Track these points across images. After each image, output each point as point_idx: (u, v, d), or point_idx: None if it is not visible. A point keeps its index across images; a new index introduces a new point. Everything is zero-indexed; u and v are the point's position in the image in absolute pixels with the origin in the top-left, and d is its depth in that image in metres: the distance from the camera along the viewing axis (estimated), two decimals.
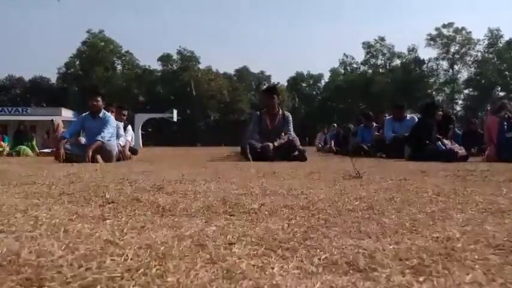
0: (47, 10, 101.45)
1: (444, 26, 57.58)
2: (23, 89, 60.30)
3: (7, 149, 8.60)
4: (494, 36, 56.95)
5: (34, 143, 9.12)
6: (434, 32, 58.02)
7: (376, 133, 8.28)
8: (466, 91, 60.44)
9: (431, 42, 58.16)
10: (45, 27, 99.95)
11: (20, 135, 8.97)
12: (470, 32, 57.20)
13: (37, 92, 59.44)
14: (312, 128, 55.87)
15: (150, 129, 47.60)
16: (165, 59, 57.89)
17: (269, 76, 67.74)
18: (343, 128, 12.15)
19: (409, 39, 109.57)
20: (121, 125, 6.61)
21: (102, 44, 53.88)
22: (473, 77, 58.01)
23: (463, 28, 57.18)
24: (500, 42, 57.22)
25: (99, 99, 5.89)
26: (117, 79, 54.63)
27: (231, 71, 64.65)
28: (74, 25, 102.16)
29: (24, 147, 8.67)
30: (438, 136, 5.94)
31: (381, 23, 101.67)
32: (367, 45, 61.92)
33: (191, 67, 55.52)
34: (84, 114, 6.08)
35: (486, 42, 57.63)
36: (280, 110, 6.13)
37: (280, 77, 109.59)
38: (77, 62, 54.56)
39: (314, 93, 66.52)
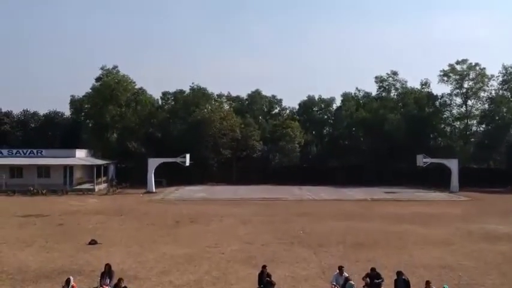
0: (60, 43, 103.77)
1: (458, 62, 57.28)
2: (37, 124, 60.94)
3: None
4: (508, 73, 56.38)
5: None
6: (447, 68, 57.75)
7: None
8: (476, 126, 59.74)
9: (445, 78, 57.73)
10: (60, 62, 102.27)
11: None
12: (484, 69, 56.81)
13: (51, 127, 60.00)
14: (322, 169, 54.88)
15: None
16: (178, 95, 58.25)
17: (280, 100, 67.23)
18: None
19: (422, 74, 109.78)
20: None
21: (116, 81, 54.42)
22: (487, 113, 57.22)
23: (476, 64, 56.81)
24: None
25: None
26: (130, 116, 54.96)
27: (244, 95, 65.32)
28: (88, 61, 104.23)
29: None
30: None
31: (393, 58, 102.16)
32: (380, 79, 61.71)
33: (203, 103, 55.71)
34: None
35: (500, 79, 57.07)
36: None
37: (291, 101, 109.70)
38: (91, 99, 55.05)
39: (325, 117, 65.88)
